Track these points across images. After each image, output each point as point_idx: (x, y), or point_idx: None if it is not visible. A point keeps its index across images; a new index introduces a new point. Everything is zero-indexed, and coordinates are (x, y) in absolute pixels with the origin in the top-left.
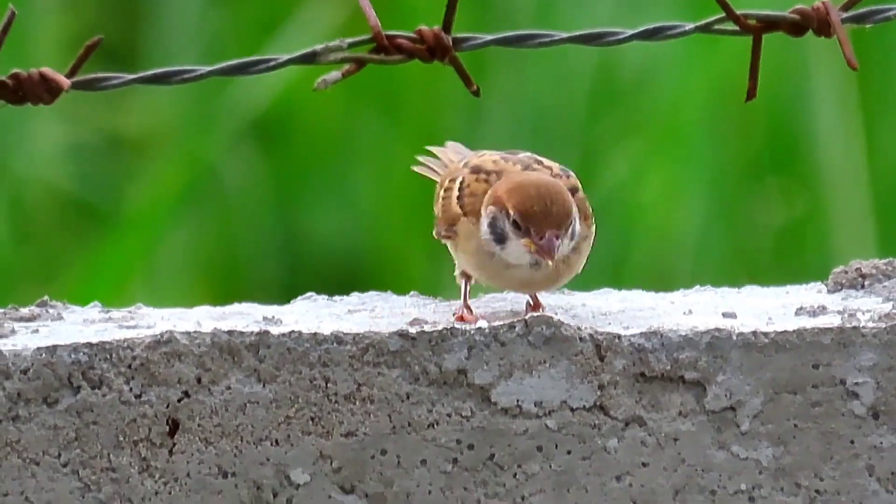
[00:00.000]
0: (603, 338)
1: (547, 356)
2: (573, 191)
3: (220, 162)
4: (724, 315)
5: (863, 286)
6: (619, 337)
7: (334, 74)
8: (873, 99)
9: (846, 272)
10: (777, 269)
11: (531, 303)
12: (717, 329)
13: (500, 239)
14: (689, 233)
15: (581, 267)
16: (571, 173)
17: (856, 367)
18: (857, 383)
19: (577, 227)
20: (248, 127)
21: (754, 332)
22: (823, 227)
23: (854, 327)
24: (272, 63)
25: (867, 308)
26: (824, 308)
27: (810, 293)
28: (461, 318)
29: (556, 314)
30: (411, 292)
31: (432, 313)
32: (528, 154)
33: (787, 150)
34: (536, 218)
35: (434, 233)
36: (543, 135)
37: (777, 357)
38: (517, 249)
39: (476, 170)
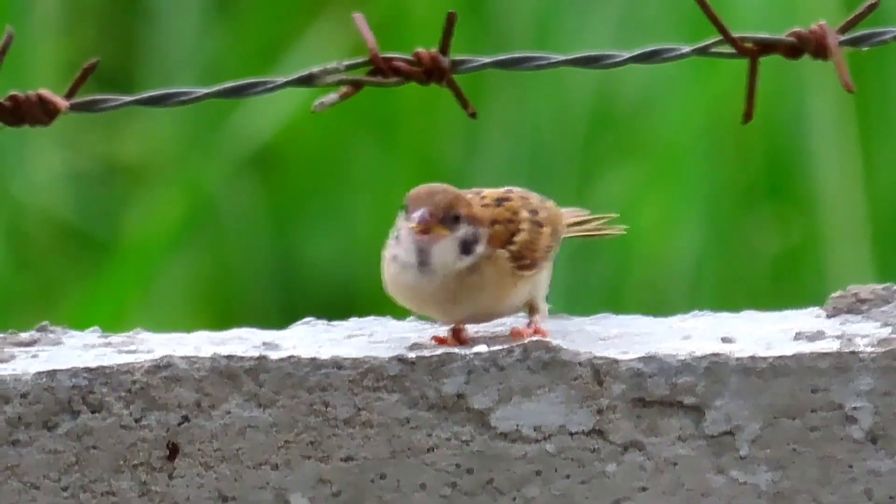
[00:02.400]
0: (601, 363)
1: (545, 381)
2: (505, 220)
3: (219, 189)
4: (723, 340)
5: (861, 311)
6: (618, 362)
7: (332, 96)
8: (870, 124)
9: (844, 297)
10: (775, 294)
11: (526, 329)
12: (715, 354)
13: (398, 235)
14: (687, 258)
15: (502, 294)
16: (530, 201)
17: (854, 391)
18: (855, 408)
19: (480, 247)
20: (246, 155)
21: (752, 357)
22: (821, 252)
23: (852, 352)
24: (269, 85)
25: (865, 333)
26: (822, 333)
27: (808, 318)
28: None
29: (555, 339)
30: (410, 317)
31: (431, 338)
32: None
33: (784, 176)
34: (418, 199)
35: None
36: (541, 162)
37: (775, 382)
38: (406, 238)
39: None
